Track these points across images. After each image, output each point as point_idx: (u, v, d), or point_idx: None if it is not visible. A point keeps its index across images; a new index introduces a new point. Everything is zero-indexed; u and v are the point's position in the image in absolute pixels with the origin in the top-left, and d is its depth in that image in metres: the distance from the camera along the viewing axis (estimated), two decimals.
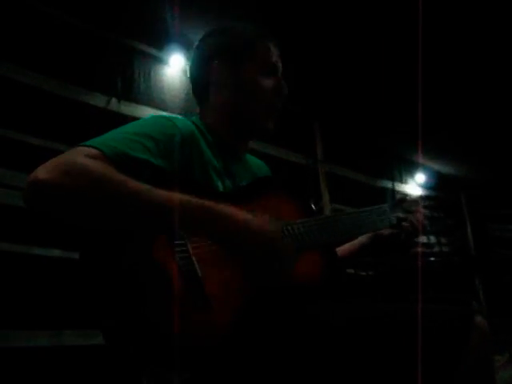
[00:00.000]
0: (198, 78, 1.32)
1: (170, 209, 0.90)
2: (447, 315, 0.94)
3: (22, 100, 3.01)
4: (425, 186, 6.97)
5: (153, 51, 3.81)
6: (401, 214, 1.39)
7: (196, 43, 1.36)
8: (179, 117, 1.19)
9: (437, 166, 7.24)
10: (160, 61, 3.84)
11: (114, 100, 3.42)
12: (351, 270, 3.52)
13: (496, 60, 4.36)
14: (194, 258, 0.97)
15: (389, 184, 6.33)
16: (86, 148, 0.95)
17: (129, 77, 3.61)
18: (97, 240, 0.95)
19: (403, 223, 1.38)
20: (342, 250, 1.46)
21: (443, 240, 6.99)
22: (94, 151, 0.94)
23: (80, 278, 0.95)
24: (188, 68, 1.38)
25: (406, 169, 6.93)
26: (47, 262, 2.89)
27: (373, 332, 0.94)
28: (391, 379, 0.90)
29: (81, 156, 0.92)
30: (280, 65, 1.32)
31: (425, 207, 1.47)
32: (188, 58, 1.40)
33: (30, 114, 3.02)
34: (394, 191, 6.06)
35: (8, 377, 2.62)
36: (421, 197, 1.55)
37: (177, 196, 0.92)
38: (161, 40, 3.75)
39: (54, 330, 2.83)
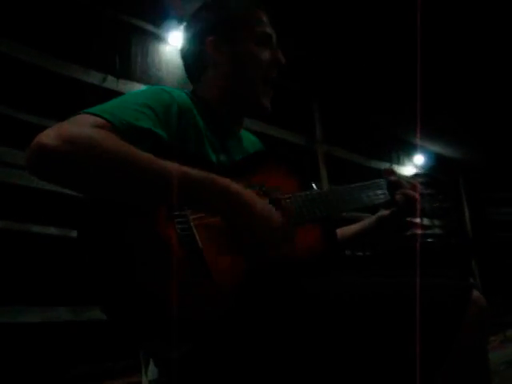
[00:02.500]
0: (193, 55, 1.30)
1: (172, 179, 0.90)
2: (445, 289, 0.94)
3: (17, 77, 2.98)
4: (423, 168, 6.98)
5: (151, 28, 3.78)
6: (395, 189, 1.39)
7: (187, 19, 1.34)
8: (176, 89, 1.18)
9: (436, 148, 7.24)
10: (158, 38, 3.81)
11: (110, 77, 3.39)
12: (348, 251, 3.53)
13: (497, 41, 4.33)
14: (194, 230, 0.97)
15: (387, 166, 6.33)
16: (90, 116, 0.94)
17: (126, 54, 3.58)
18: (96, 213, 0.95)
19: (398, 198, 1.37)
20: (345, 231, 1.46)
21: (441, 222, 7.02)
22: (98, 120, 0.94)
23: (80, 252, 0.94)
24: (181, 45, 1.35)
25: (405, 150, 6.93)
26: (44, 240, 2.89)
27: (370, 305, 0.94)
28: (389, 351, 0.90)
29: (86, 125, 0.91)
30: (274, 33, 1.31)
31: (420, 184, 1.47)
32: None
33: (27, 91, 3.00)
34: (390, 171, 6.06)
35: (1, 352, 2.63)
36: (416, 174, 1.55)
37: (179, 167, 0.92)
38: (159, 17, 3.71)
39: (46, 306, 2.85)
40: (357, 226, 1.48)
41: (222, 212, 0.96)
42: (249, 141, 1.40)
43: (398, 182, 1.40)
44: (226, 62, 1.25)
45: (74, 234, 0.95)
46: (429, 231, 6.50)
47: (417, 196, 1.37)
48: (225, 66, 1.25)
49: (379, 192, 1.38)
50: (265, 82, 1.28)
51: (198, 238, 0.97)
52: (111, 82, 3.39)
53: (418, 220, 1.49)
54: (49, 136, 0.85)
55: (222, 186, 0.95)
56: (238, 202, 0.95)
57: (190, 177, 0.92)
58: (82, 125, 0.91)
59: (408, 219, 1.48)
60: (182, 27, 1.36)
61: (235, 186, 0.96)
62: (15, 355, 2.68)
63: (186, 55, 1.33)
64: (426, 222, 6.73)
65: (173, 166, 0.91)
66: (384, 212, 1.43)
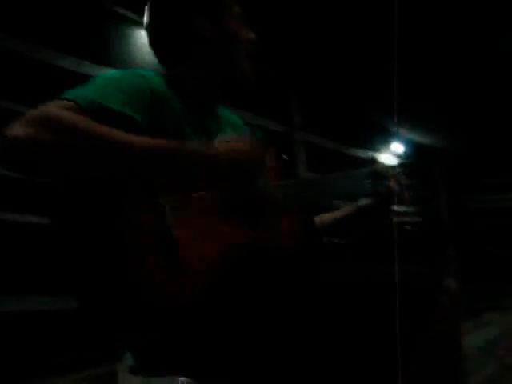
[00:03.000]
0: (174, 34, 1.27)
1: (136, 148, 0.91)
2: (419, 277, 0.96)
3: None
4: (402, 156, 7.03)
5: (127, 12, 3.72)
6: (376, 180, 1.39)
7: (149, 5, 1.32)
8: (150, 71, 1.17)
9: (414, 136, 7.29)
10: (134, 22, 3.76)
11: (86, 62, 3.34)
12: (325, 239, 3.53)
13: (474, 26, 4.35)
14: (169, 219, 0.96)
15: (366, 153, 6.37)
16: (59, 101, 0.93)
17: (101, 39, 3.53)
18: (71, 203, 0.94)
19: (378, 188, 1.37)
20: (324, 218, 1.46)
21: (419, 210, 7.07)
22: (67, 103, 0.93)
23: (54, 240, 0.93)
24: (149, 26, 1.32)
25: (383, 138, 6.96)
26: (22, 228, 2.85)
27: (348, 293, 0.95)
28: (368, 335, 0.92)
29: (55, 109, 0.90)
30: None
31: (400, 173, 1.47)
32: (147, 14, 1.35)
33: (0, 76, 2.94)
34: (371, 160, 6.10)
35: None
36: (397, 163, 1.55)
37: (142, 138, 0.94)
38: (135, 1, 3.65)
39: (23, 294, 2.82)
40: (336, 214, 1.48)
41: (201, 172, 0.99)
42: (229, 118, 1.40)
43: (380, 173, 1.40)
44: (213, 39, 1.26)
45: (49, 221, 0.95)
46: (407, 219, 6.55)
47: (398, 187, 1.37)
48: (214, 43, 1.26)
49: (361, 182, 1.38)
50: (246, 56, 1.30)
51: (172, 227, 0.96)
52: (86, 67, 3.34)
53: (396, 208, 1.49)
54: (19, 124, 0.86)
55: (194, 147, 0.99)
56: (212, 154, 1.00)
57: (156, 144, 0.95)
58: (51, 109, 0.90)
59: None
60: (149, 5, 1.33)
61: (204, 143, 1.01)
62: None
63: (162, 35, 1.29)
64: (404, 209, 6.74)
65: (134, 138, 0.93)
66: (364, 201, 1.43)
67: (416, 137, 7.32)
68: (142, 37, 3.75)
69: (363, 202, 1.44)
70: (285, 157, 1.22)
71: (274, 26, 3.91)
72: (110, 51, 3.55)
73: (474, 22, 4.23)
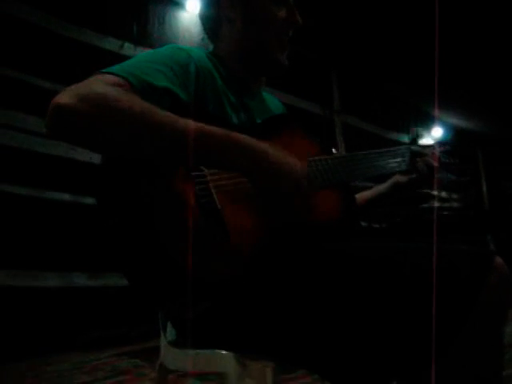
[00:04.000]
0: (209, 15, 1.28)
1: (190, 135, 0.88)
2: (466, 255, 0.92)
3: (35, 43, 2.98)
4: (441, 140, 6.91)
5: None
6: (416, 157, 1.39)
7: None
8: (194, 48, 1.17)
9: (454, 120, 7.15)
10: (176, 4, 3.77)
11: (128, 44, 3.38)
12: (364, 223, 3.53)
13: None
14: (213, 190, 0.97)
15: (404, 137, 6.28)
16: (108, 75, 0.93)
17: (143, 21, 3.55)
18: (112, 175, 0.94)
19: (418, 165, 1.37)
20: (362, 196, 1.45)
21: (457, 195, 6.97)
22: (115, 78, 0.92)
23: (98, 216, 0.94)
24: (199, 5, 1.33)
25: (423, 122, 6.85)
26: (58, 206, 2.92)
27: (389, 269, 0.94)
28: (407, 316, 0.90)
29: (102, 83, 0.90)
30: None
31: (440, 152, 1.46)
32: None
33: (43, 57, 3.00)
34: (411, 141, 6.01)
35: (19, 314, 2.69)
36: (437, 142, 1.54)
37: (198, 124, 0.91)
38: None
39: (63, 271, 2.90)
40: (371, 192, 1.47)
41: (246, 170, 0.94)
42: (271, 102, 1.39)
43: (420, 150, 1.39)
44: (241, 20, 1.23)
45: (87, 199, 0.96)
46: (446, 204, 6.46)
47: (437, 165, 1.36)
48: (240, 24, 1.23)
49: (399, 159, 1.37)
50: (279, 39, 1.25)
51: (215, 198, 0.97)
52: (128, 49, 3.38)
53: (435, 193, 1.48)
54: (65, 96, 0.85)
55: (246, 143, 0.93)
56: (263, 160, 0.93)
57: (211, 133, 0.91)
58: (99, 84, 0.90)
59: (425, 191, 1.47)
60: None
61: (260, 144, 0.95)
62: (33, 319, 2.74)
63: (202, 14, 1.31)
64: (443, 194, 6.69)
65: (192, 123, 0.90)
66: (400, 178, 1.42)
67: (456, 121, 7.17)
68: (182, 19, 3.77)
69: (398, 178, 1.43)
70: (334, 150, 1.21)
71: (316, 7, 3.87)
72: (150, 33, 3.57)
73: None
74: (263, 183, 0.95)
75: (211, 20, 1.28)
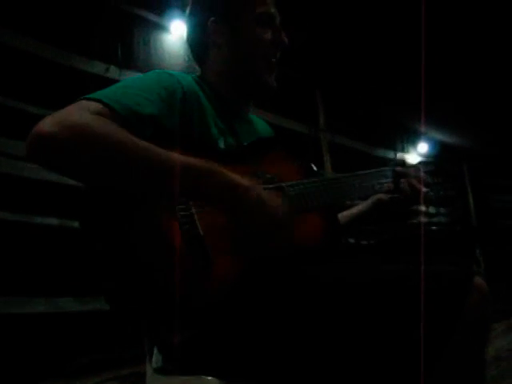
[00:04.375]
0: (196, 40, 1.29)
1: (172, 170, 0.88)
2: (446, 275, 0.93)
3: (19, 67, 2.98)
4: (427, 156, 6.96)
5: (153, 17, 3.76)
6: (401, 178, 1.39)
7: (190, 3, 1.33)
8: (181, 72, 1.17)
9: (440, 136, 7.21)
10: (160, 27, 3.80)
11: (113, 67, 3.39)
12: (352, 240, 3.54)
13: (499, 30, 4.29)
14: (196, 217, 0.97)
15: (391, 153, 6.32)
16: (90, 102, 0.92)
17: (128, 44, 3.57)
18: (97, 201, 0.93)
19: (402, 187, 1.37)
20: (342, 216, 1.46)
21: (445, 210, 7.00)
22: (98, 105, 0.91)
23: (82, 241, 0.94)
24: (185, 30, 1.34)
25: (409, 138, 6.91)
26: (46, 230, 2.90)
27: (373, 290, 0.94)
28: (391, 337, 0.90)
29: (85, 110, 0.89)
30: (277, 14, 1.29)
31: (424, 173, 1.47)
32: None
33: (29, 82, 3.00)
34: (395, 159, 6.05)
35: (6, 341, 2.65)
36: (420, 162, 1.55)
37: (180, 157, 0.91)
38: (161, 6, 3.69)
39: (50, 296, 2.86)
40: (353, 211, 1.47)
41: (224, 204, 0.95)
42: (258, 124, 1.39)
43: (404, 171, 1.40)
44: (226, 42, 1.24)
45: (75, 224, 0.95)
46: (433, 219, 6.49)
47: (421, 186, 1.37)
48: (227, 49, 1.24)
49: (384, 180, 1.38)
50: (266, 62, 1.25)
51: (198, 224, 0.97)
52: (114, 72, 3.39)
53: (422, 208, 1.49)
54: (47, 123, 0.84)
55: (225, 179, 0.94)
56: (240, 195, 0.94)
57: (191, 167, 0.91)
58: (82, 111, 0.89)
59: (412, 207, 1.48)
60: (184, 14, 1.35)
61: (238, 180, 0.95)
62: (21, 345, 2.70)
63: (189, 39, 1.31)
64: (430, 209, 6.73)
65: (173, 157, 0.90)
66: (382, 196, 1.42)
67: (442, 136, 7.24)
68: (167, 42, 3.79)
69: (381, 196, 1.43)
70: (314, 168, 1.21)
71: (300, 26, 3.91)
72: (135, 56, 3.59)
73: (500, 24, 4.17)
74: (240, 220, 0.96)
75: (198, 45, 1.29)
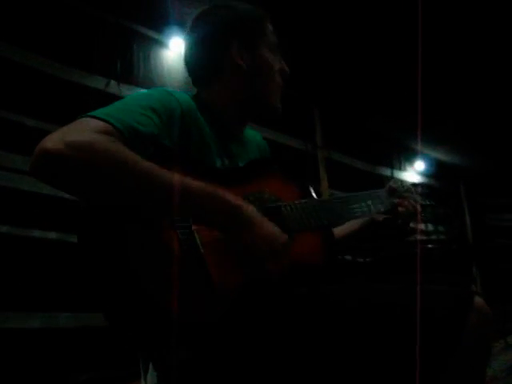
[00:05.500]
0: (207, 58, 1.27)
1: (173, 191, 0.89)
2: (446, 296, 0.93)
3: (20, 82, 2.99)
4: (424, 174, 6.97)
5: (152, 34, 3.78)
6: (395, 200, 1.40)
7: (198, 18, 1.31)
8: (179, 91, 1.18)
9: (436, 155, 7.23)
10: (160, 44, 3.82)
11: (113, 82, 3.40)
12: (349, 257, 3.53)
13: (498, 49, 4.33)
14: (196, 235, 0.97)
15: (388, 171, 6.33)
16: (94, 120, 0.93)
17: (128, 59, 3.59)
18: (97, 218, 0.94)
19: (398, 208, 1.39)
20: (337, 234, 1.46)
21: (441, 228, 6.99)
22: (102, 124, 0.93)
23: (80, 258, 0.94)
24: (188, 48, 1.32)
25: (406, 156, 6.93)
26: (44, 245, 2.89)
27: (371, 313, 0.94)
28: (389, 358, 0.90)
29: (90, 129, 0.90)
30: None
31: (418, 194, 1.48)
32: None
33: (30, 96, 3.00)
34: (392, 178, 6.05)
35: (3, 357, 2.63)
36: (415, 184, 1.56)
37: (181, 178, 0.92)
38: (160, 23, 3.71)
39: (48, 312, 2.84)
40: (346, 229, 1.48)
41: (222, 227, 0.97)
42: (254, 143, 1.40)
43: (397, 193, 1.41)
44: (246, 66, 1.25)
45: (74, 238, 0.95)
46: (429, 237, 6.48)
47: (416, 208, 1.39)
48: (243, 71, 1.25)
49: (377, 202, 1.39)
50: (279, 88, 1.31)
51: (199, 242, 0.97)
52: (113, 87, 3.40)
53: (418, 226, 1.50)
54: (52, 140, 0.85)
55: (223, 202, 0.95)
56: (238, 219, 0.96)
57: (191, 190, 0.92)
58: (86, 129, 0.90)
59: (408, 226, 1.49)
60: (186, 28, 1.33)
61: (238, 202, 0.96)
62: (16, 361, 2.67)
63: (196, 57, 1.30)
64: (429, 227, 6.68)
65: (174, 178, 0.91)
66: (376, 216, 1.44)
67: (438, 155, 7.26)
68: (166, 58, 3.82)
69: (376, 216, 1.45)
70: (311, 188, 1.22)
71: (296, 44, 3.94)
72: (135, 72, 3.61)
73: (497, 43, 4.21)
74: (237, 240, 0.97)
75: (208, 65, 1.28)
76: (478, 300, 0.91)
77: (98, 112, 0.96)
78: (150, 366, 1.10)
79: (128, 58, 3.59)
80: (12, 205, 2.82)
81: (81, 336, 2.89)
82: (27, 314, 2.76)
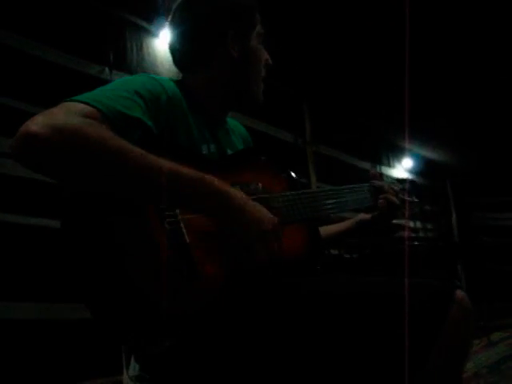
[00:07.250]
0: (200, 46, 1.25)
1: (162, 177, 0.88)
2: (428, 288, 0.94)
3: (15, 66, 2.96)
4: (412, 172, 7.02)
5: (143, 24, 3.78)
6: (379, 194, 1.42)
7: (186, 8, 1.28)
8: (164, 77, 1.17)
9: (424, 152, 7.28)
10: (151, 33, 3.82)
11: (106, 69, 3.40)
12: (335, 252, 3.55)
13: (487, 47, 4.35)
14: (182, 225, 0.96)
15: (376, 167, 6.36)
16: (79, 104, 0.91)
17: (121, 48, 3.59)
18: (82, 205, 0.92)
19: (380, 201, 1.40)
20: (326, 230, 1.46)
21: (428, 226, 7.05)
22: (88, 108, 0.91)
23: (63, 246, 0.92)
24: (177, 35, 1.28)
25: (394, 153, 6.96)
26: (40, 232, 2.85)
27: (357, 301, 0.94)
28: (374, 349, 0.91)
29: (75, 113, 0.88)
30: None
31: (404, 190, 1.50)
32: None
33: (24, 80, 2.98)
34: (380, 174, 6.08)
35: None
36: (401, 179, 1.58)
37: (170, 164, 0.90)
38: (151, 13, 3.70)
39: (42, 302, 2.81)
40: (336, 228, 1.49)
41: (212, 213, 0.96)
42: (237, 132, 1.40)
43: (381, 188, 1.42)
44: (237, 55, 1.25)
45: (55, 224, 0.93)
46: (417, 234, 6.54)
47: (398, 202, 1.40)
48: (233, 60, 1.25)
49: (362, 197, 1.40)
50: (261, 78, 1.30)
51: (185, 232, 0.96)
52: (106, 74, 3.39)
53: (405, 223, 1.51)
54: (38, 124, 0.82)
55: (213, 187, 0.94)
56: (228, 205, 0.94)
57: (181, 176, 0.91)
58: (71, 113, 0.88)
59: (396, 222, 1.50)
60: (172, 14, 1.29)
61: (226, 188, 0.95)
62: (8, 352, 2.64)
63: (187, 43, 1.27)
64: (417, 224, 6.79)
65: (163, 163, 0.89)
66: (365, 216, 1.45)
67: (426, 152, 7.31)
68: (158, 47, 3.81)
69: (363, 216, 1.46)
70: (298, 180, 1.22)
71: (287, 39, 3.94)
72: (128, 59, 3.61)
73: (484, 41, 4.23)
74: (227, 227, 0.96)
75: (198, 51, 1.26)
76: (460, 293, 0.92)
77: (84, 96, 0.94)
78: (132, 356, 1.09)
79: (121, 46, 3.60)
80: (5, 191, 2.78)
81: (61, 328, 2.86)
82: (19, 303, 2.73)
